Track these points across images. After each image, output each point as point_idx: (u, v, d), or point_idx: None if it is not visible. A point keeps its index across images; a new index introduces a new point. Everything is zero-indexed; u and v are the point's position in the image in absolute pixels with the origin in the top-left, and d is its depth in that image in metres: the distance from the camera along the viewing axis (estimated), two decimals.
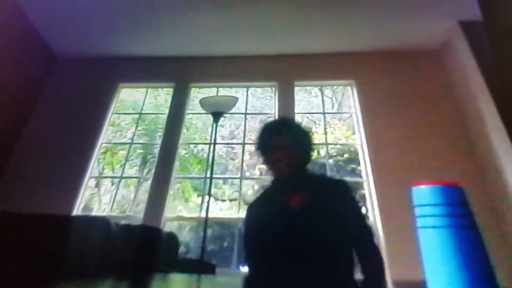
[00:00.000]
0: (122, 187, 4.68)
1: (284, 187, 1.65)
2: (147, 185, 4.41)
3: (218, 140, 4.65)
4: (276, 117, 4.56)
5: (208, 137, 4.84)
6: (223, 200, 4.68)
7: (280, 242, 1.52)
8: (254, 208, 1.71)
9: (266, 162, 1.67)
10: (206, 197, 3.54)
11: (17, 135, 4.59)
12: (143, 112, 5.21)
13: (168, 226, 4.10)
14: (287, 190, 1.64)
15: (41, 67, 5.01)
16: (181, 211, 4.51)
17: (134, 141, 4.98)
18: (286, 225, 1.55)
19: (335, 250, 1.49)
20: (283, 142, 1.61)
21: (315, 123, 5.07)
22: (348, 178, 4.23)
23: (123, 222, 3.27)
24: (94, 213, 4.54)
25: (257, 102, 5.32)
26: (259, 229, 1.61)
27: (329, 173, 4.34)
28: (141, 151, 5.23)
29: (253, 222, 1.66)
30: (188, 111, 4.97)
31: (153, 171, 4.40)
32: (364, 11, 4.28)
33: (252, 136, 4.98)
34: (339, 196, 1.60)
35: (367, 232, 1.58)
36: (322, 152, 4.63)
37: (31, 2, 4.31)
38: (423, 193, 0.58)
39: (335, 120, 5.21)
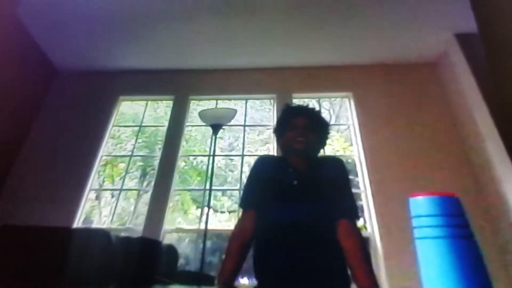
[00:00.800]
0: (122, 199, 4.67)
1: (295, 159, 1.72)
2: (147, 197, 4.41)
3: (217, 152, 4.65)
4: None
5: (207, 149, 4.85)
6: (222, 212, 4.67)
7: (281, 194, 1.61)
8: (264, 160, 1.81)
9: (283, 142, 1.77)
10: (205, 209, 3.54)
11: (17, 147, 4.58)
12: (143, 124, 5.21)
13: (167, 238, 4.07)
14: (297, 160, 1.71)
15: (41, 80, 5.03)
16: (181, 223, 4.49)
17: (134, 154, 4.97)
18: (286, 179, 1.65)
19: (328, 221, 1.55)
20: (303, 122, 1.71)
21: None
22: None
23: (123, 234, 3.27)
24: (94, 225, 4.53)
25: (256, 114, 5.35)
26: (265, 179, 1.68)
27: None
28: (141, 163, 5.24)
29: (260, 172, 1.74)
30: (187, 124, 4.97)
31: (152, 183, 4.39)
32: (361, 24, 4.32)
33: (251, 147, 5.00)
34: (335, 170, 1.69)
35: (351, 206, 1.62)
36: None
37: (32, 15, 4.34)
38: (420, 204, 0.59)
39: (333, 131, 5.23)
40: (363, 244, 1.51)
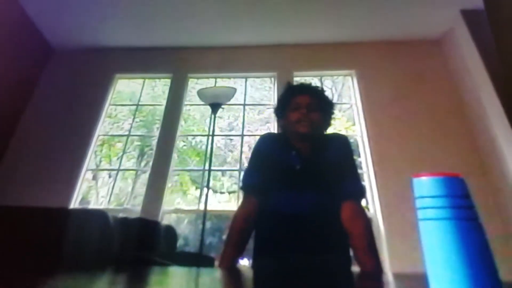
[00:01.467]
0: (119, 179, 4.67)
1: (299, 141, 1.66)
2: (145, 177, 4.41)
3: (217, 131, 4.63)
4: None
5: (206, 129, 4.82)
6: (221, 193, 4.69)
7: (283, 180, 1.58)
8: (267, 140, 1.75)
9: (286, 123, 1.70)
10: (205, 190, 3.53)
11: (12, 128, 4.56)
12: (140, 103, 5.16)
13: (166, 219, 4.09)
14: (300, 143, 1.66)
15: (37, 59, 4.97)
16: (180, 204, 4.50)
17: (131, 133, 4.93)
18: (289, 164, 1.60)
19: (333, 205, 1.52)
20: (307, 101, 1.65)
21: None
22: None
23: (120, 215, 3.27)
24: (91, 206, 4.54)
25: (256, 93, 5.30)
26: (267, 161, 1.64)
27: None
28: (138, 143, 5.22)
29: (263, 152, 1.69)
30: (186, 103, 4.92)
31: (151, 163, 4.37)
32: (364, 0, 4.23)
33: (251, 127, 4.97)
34: (340, 150, 1.64)
35: (357, 188, 1.58)
36: None
37: None
38: (424, 185, 0.57)
39: (335, 111, 5.20)
40: (369, 226, 1.48)
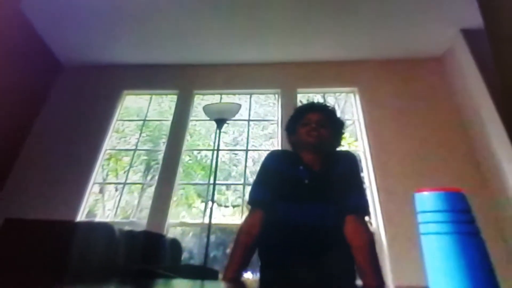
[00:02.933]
0: (126, 193, 4.69)
1: (307, 154, 1.68)
2: (150, 191, 4.43)
3: (222, 146, 4.65)
4: (279, 123, 4.60)
5: (212, 144, 4.85)
6: (226, 206, 4.69)
7: (291, 194, 1.58)
8: (275, 155, 1.76)
9: (295, 139, 1.75)
10: (210, 203, 3.54)
11: (21, 141, 4.60)
12: (147, 119, 5.23)
13: (171, 232, 4.10)
14: (309, 156, 1.68)
15: (46, 74, 5.05)
16: (184, 217, 4.50)
17: (138, 148, 4.98)
18: (298, 178, 1.61)
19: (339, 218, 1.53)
20: (317, 117, 1.69)
21: None
22: None
23: (126, 228, 3.28)
24: (98, 219, 4.55)
25: (260, 109, 5.34)
26: (275, 176, 1.65)
27: None
28: (145, 157, 5.25)
29: (271, 167, 1.70)
30: (191, 118, 4.98)
31: (156, 177, 4.41)
32: (366, 19, 4.30)
33: (255, 142, 4.99)
34: (347, 166, 1.65)
35: (362, 203, 1.59)
36: None
37: (36, 10, 4.35)
38: (426, 200, 0.59)
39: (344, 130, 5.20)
40: (371, 240, 1.49)
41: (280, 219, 1.55)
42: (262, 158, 1.77)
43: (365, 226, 1.52)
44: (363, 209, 1.58)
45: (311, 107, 1.78)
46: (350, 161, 1.68)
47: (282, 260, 1.52)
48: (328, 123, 1.71)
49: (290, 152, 1.77)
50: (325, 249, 1.49)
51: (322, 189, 1.58)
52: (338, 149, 1.78)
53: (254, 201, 1.65)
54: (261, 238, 1.57)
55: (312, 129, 1.64)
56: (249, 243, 1.55)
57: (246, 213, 1.68)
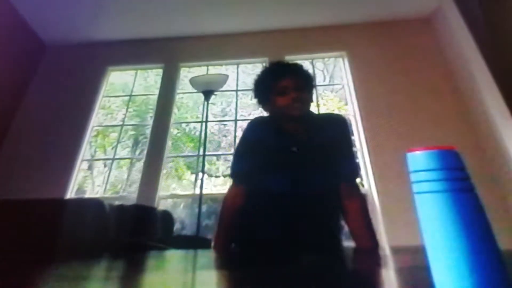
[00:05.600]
0: (114, 168, 4.68)
1: (291, 122, 1.57)
2: (140, 165, 4.43)
3: (210, 118, 4.63)
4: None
5: (200, 116, 4.82)
6: (217, 176, 4.70)
7: (278, 163, 1.53)
8: (257, 125, 1.64)
9: (273, 109, 1.58)
10: (200, 174, 3.55)
11: (8, 121, 4.57)
12: (133, 94, 5.19)
13: (162, 205, 4.13)
14: (294, 125, 1.57)
15: (30, 55, 4.99)
16: (175, 189, 4.52)
17: (125, 123, 4.96)
18: (284, 146, 1.54)
19: (326, 184, 1.51)
20: (292, 83, 1.52)
21: None
22: None
23: (117, 202, 3.27)
24: (87, 195, 4.54)
25: (248, 78, 5.27)
26: (259, 146, 1.56)
27: None
28: (132, 132, 5.21)
29: (253, 138, 1.60)
30: (178, 91, 4.94)
31: (145, 151, 4.40)
32: None
33: (244, 112, 4.96)
34: (337, 131, 1.58)
35: (353, 169, 1.58)
36: None
37: None
38: (418, 159, 0.56)
39: (327, 92, 5.18)
40: (364, 204, 1.50)
41: (267, 190, 1.51)
42: None
43: (357, 191, 1.53)
44: (354, 175, 1.57)
45: (283, 71, 1.58)
46: (339, 125, 1.61)
47: (270, 232, 1.49)
48: (305, 85, 1.56)
49: (272, 120, 1.63)
50: (314, 215, 1.47)
51: (310, 157, 1.53)
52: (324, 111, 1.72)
53: (235, 176, 1.61)
54: (248, 210, 1.54)
55: (293, 100, 1.48)
56: (233, 216, 1.54)
57: (230, 186, 1.65)
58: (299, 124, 1.56)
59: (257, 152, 1.56)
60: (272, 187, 1.51)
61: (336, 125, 1.61)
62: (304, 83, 1.56)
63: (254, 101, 1.69)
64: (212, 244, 1.82)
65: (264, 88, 1.60)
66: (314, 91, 1.67)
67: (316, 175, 1.50)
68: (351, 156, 1.60)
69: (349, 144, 1.63)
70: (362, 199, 1.51)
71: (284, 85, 1.52)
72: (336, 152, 1.54)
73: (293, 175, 1.50)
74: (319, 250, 1.36)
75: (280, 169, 1.53)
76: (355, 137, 4.28)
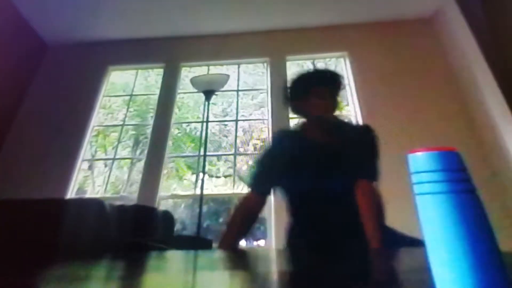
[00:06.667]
0: (115, 168, 4.69)
1: (318, 128, 1.66)
2: (140, 165, 4.43)
3: (211, 118, 4.63)
4: (269, 92, 4.57)
5: (201, 116, 4.81)
6: (217, 177, 4.71)
7: (300, 169, 1.58)
8: (282, 135, 1.77)
9: (305, 106, 1.67)
10: (201, 175, 3.55)
11: (9, 122, 4.58)
12: (134, 93, 5.21)
13: (163, 205, 4.14)
14: (320, 130, 1.66)
15: (31, 55, 5.00)
16: (176, 189, 4.52)
17: (126, 123, 4.97)
18: (309, 155, 1.60)
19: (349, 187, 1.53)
20: (332, 91, 1.65)
21: None
22: None
23: (117, 203, 3.27)
24: (88, 195, 4.54)
25: (249, 79, 5.27)
26: (282, 154, 1.63)
27: None
28: (133, 132, 5.20)
29: (277, 147, 1.70)
30: (179, 91, 4.95)
31: (146, 151, 4.41)
32: None
33: (245, 112, 4.96)
34: (362, 140, 1.64)
35: (373, 169, 1.61)
36: None
37: None
38: (420, 160, 0.56)
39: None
40: (378, 204, 1.53)
41: (301, 192, 1.57)
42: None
43: (373, 190, 1.55)
44: (375, 175, 1.60)
45: (329, 78, 1.70)
46: (368, 134, 1.68)
47: (308, 230, 1.54)
48: (338, 92, 1.69)
49: (296, 130, 1.75)
50: (346, 215, 1.49)
51: (335, 163, 1.57)
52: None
53: (253, 186, 1.66)
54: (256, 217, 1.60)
55: (329, 105, 1.63)
56: (246, 219, 1.59)
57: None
58: (325, 131, 1.64)
59: (282, 162, 1.62)
60: (305, 190, 1.57)
61: (363, 134, 1.68)
62: (338, 92, 1.68)
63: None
64: (215, 244, 1.84)
65: (304, 85, 1.69)
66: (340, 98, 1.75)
67: (340, 180, 1.54)
68: (374, 160, 1.64)
69: (373, 151, 1.67)
70: (376, 199, 1.53)
71: (324, 90, 1.63)
72: (359, 156, 1.59)
73: (319, 182, 1.54)
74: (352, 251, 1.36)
75: (306, 176, 1.57)
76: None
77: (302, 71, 1.77)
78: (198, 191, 3.50)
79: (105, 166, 4.80)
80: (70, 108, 4.69)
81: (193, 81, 3.70)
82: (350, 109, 4.53)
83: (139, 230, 2.39)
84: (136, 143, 5.10)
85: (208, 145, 3.55)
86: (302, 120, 1.75)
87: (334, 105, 1.65)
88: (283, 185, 1.63)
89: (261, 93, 4.93)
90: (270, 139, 1.81)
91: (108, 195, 4.37)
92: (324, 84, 1.66)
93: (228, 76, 3.78)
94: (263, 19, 4.86)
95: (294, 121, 4.66)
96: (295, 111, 1.76)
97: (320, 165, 1.57)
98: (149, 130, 4.61)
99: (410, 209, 0.65)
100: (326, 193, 1.52)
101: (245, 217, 1.59)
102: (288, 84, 1.77)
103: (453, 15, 4.20)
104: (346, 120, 1.79)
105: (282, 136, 1.76)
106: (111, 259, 1.27)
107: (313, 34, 4.91)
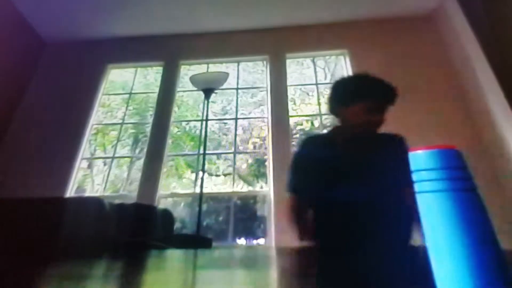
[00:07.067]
0: (114, 167, 4.68)
1: (353, 138, 1.60)
2: (140, 164, 4.43)
3: (210, 116, 4.62)
4: (269, 90, 4.55)
5: (200, 114, 4.81)
6: (217, 175, 4.70)
7: (330, 178, 1.55)
8: (311, 141, 1.73)
9: (349, 114, 1.58)
10: (200, 173, 3.55)
11: (8, 120, 4.57)
12: (133, 92, 5.20)
13: (162, 203, 4.13)
14: (354, 140, 1.60)
15: (30, 52, 5.01)
16: (175, 188, 4.52)
17: (125, 121, 4.97)
18: (340, 165, 1.56)
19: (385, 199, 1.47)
20: (384, 106, 1.60)
21: (308, 94, 5.03)
22: None
23: (117, 201, 3.27)
24: (87, 194, 4.54)
25: (249, 77, 5.26)
26: (312, 162, 1.60)
27: None
28: (132, 130, 5.19)
29: (308, 156, 1.66)
30: (178, 89, 4.95)
31: (145, 150, 4.41)
32: None
33: (245, 110, 4.95)
34: (394, 152, 1.52)
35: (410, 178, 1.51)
36: (316, 123, 4.63)
37: None
38: (420, 158, 0.56)
39: (328, 90, 5.15)
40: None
41: (332, 202, 1.52)
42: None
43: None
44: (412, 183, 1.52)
45: (385, 92, 1.63)
46: (400, 146, 1.64)
47: (340, 242, 1.50)
48: (386, 108, 1.62)
49: (327, 137, 1.72)
50: (378, 224, 1.44)
51: (367, 169, 1.53)
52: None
53: (293, 189, 1.67)
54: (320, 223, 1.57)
55: (376, 121, 1.55)
56: (298, 215, 1.62)
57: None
58: (358, 144, 1.57)
59: (312, 169, 1.60)
60: (337, 199, 1.51)
61: (394, 146, 1.63)
62: (386, 107, 1.61)
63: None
64: (214, 243, 1.83)
65: (349, 95, 1.60)
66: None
67: (373, 187, 1.48)
68: (406, 171, 1.55)
69: (406, 163, 1.58)
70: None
71: (371, 105, 1.56)
72: (396, 166, 1.53)
73: (351, 188, 1.50)
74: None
75: (339, 182, 1.53)
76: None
77: (358, 74, 1.71)
78: (197, 190, 3.50)
79: (105, 164, 4.80)
80: (69, 106, 4.69)
81: (193, 79, 3.70)
82: None
83: (139, 229, 2.39)
84: (136, 141, 5.09)
85: (208, 143, 3.55)
86: (336, 125, 1.69)
87: (381, 121, 1.58)
88: (314, 192, 1.60)
89: (261, 91, 4.92)
90: (300, 145, 1.73)
91: (107, 193, 4.37)
92: (377, 97, 1.58)
93: (227, 74, 3.78)
94: (262, 16, 4.84)
95: (294, 119, 4.70)
96: (335, 113, 1.67)
97: (350, 175, 1.53)
98: (148, 129, 4.61)
99: None
100: (354, 203, 1.47)
101: (299, 215, 1.61)
102: (339, 85, 1.70)
103: (453, 12, 4.19)
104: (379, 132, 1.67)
105: (312, 142, 1.72)
106: (110, 258, 1.26)
107: (313, 31, 4.89)
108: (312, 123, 4.67)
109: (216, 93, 3.90)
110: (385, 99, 1.60)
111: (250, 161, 4.67)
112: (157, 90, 4.89)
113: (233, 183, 4.23)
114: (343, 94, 1.64)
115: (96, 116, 4.88)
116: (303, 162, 1.67)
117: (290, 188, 1.68)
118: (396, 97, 1.65)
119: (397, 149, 1.60)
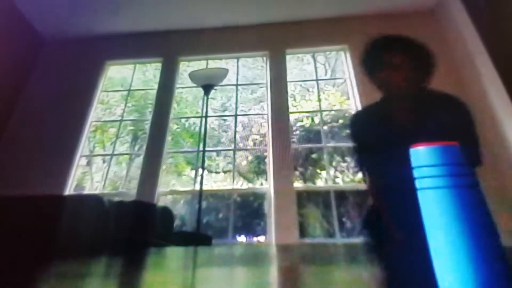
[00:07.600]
0: (113, 164, 4.67)
1: (395, 105, 1.52)
2: (139, 161, 4.43)
3: (210, 113, 4.61)
4: (269, 86, 4.53)
5: (200, 111, 4.80)
6: (217, 172, 4.69)
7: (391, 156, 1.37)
8: (361, 117, 1.69)
9: (379, 83, 1.51)
10: (200, 170, 3.54)
11: (7, 117, 4.56)
12: (132, 88, 5.17)
13: (162, 201, 4.13)
14: (397, 107, 1.51)
15: (29, 50, 5.00)
16: (175, 185, 4.51)
17: (124, 118, 4.96)
18: (393, 140, 1.43)
19: None
20: (406, 60, 1.43)
21: (308, 90, 5.01)
22: (344, 144, 4.25)
23: (116, 199, 3.26)
24: (86, 191, 4.53)
25: (249, 73, 5.24)
26: (368, 139, 1.54)
27: (324, 140, 4.34)
28: (131, 127, 5.18)
29: (361, 134, 1.60)
30: (177, 86, 4.92)
31: (144, 147, 4.40)
32: None
33: (245, 107, 4.94)
34: (452, 115, 1.42)
35: (475, 154, 1.38)
36: (317, 119, 4.61)
37: None
38: (421, 154, 0.56)
39: (329, 86, 5.12)
40: None
41: (386, 182, 1.45)
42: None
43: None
44: (477, 161, 1.37)
45: (395, 46, 1.50)
46: (457, 109, 1.47)
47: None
48: (418, 64, 1.45)
49: (377, 108, 1.62)
50: None
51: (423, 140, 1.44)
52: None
53: (362, 168, 1.61)
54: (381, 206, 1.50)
55: (400, 78, 1.40)
56: (376, 198, 1.54)
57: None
58: (407, 106, 1.48)
59: (369, 146, 1.53)
60: (390, 179, 1.40)
61: (452, 108, 1.47)
62: (417, 62, 1.46)
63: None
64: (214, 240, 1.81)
65: (371, 61, 1.54)
66: (430, 69, 1.50)
67: None
68: (472, 141, 1.44)
69: (468, 129, 1.47)
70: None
71: (391, 60, 1.44)
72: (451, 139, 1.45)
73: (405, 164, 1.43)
74: None
75: (393, 160, 1.47)
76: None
77: (374, 38, 1.59)
78: (197, 187, 3.49)
79: (104, 161, 4.80)
80: (67, 103, 4.65)
81: (192, 76, 3.69)
82: (351, 103, 4.50)
83: (138, 227, 2.38)
84: (135, 138, 5.08)
85: (207, 140, 3.54)
86: (386, 95, 1.55)
87: (412, 75, 1.41)
88: (372, 168, 1.54)
89: (261, 87, 4.91)
90: (352, 122, 1.65)
91: (106, 191, 4.37)
92: (393, 51, 1.46)
93: (227, 70, 3.77)
94: (262, 12, 4.81)
95: (294, 115, 4.68)
96: (375, 85, 1.56)
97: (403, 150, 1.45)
98: (147, 126, 4.60)
99: None
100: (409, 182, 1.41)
101: (378, 196, 1.52)
102: (362, 57, 1.59)
103: (455, 7, 4.17)
104: (429, 92, 1.51)
105: (361, 118, 1.68)
106: (110, 255, 1.26)
107: (313, 27, 4.85)
108: (312, 119, 4.65)
109: (215, 89, 3.90)
110: (406, 51, 1.46)
111: (250, 158, 4.66)
112: (156, 86, 4.87)
113: (233, 180, 4.23)
114: (365, 64, 1.57)
115: (95, 113, 4.87)
116: (366, 138, 1.57)
117: (359, 168, 1.62)
118: (414, 48, 1.51)
119: (457, 113, 1.46)
